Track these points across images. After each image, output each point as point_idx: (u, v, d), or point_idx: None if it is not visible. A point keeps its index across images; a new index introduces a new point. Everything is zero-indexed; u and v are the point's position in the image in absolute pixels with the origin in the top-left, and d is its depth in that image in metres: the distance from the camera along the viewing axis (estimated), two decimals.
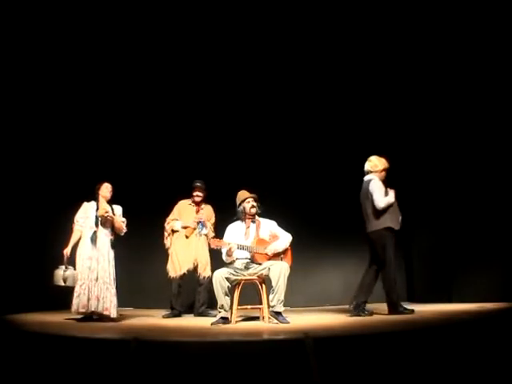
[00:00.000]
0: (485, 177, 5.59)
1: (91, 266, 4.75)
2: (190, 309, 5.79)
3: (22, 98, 6.12)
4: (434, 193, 6.36)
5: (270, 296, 4.35)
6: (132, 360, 2.81)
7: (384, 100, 6.88)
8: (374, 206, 4.77)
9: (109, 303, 4.72)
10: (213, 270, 4.78)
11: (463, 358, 2.97)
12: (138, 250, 6.63)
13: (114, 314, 4.75)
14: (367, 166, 4.97)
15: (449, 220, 6.10)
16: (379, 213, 4.75)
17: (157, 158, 6.95)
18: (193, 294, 5.72)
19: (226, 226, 4.79)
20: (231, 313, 4.37)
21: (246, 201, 4.70)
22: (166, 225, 5.77)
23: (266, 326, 4.29)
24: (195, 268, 5.61)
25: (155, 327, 4.32)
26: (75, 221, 4.96)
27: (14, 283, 5.51)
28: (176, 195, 5.97)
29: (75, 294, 4.69)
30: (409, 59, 6.45)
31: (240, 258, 4.58)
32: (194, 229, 5.67)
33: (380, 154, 5.01)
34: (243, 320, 4.78)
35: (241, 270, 4.53)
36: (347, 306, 4.95)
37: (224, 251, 4.55)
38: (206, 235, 5.62)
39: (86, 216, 4.94)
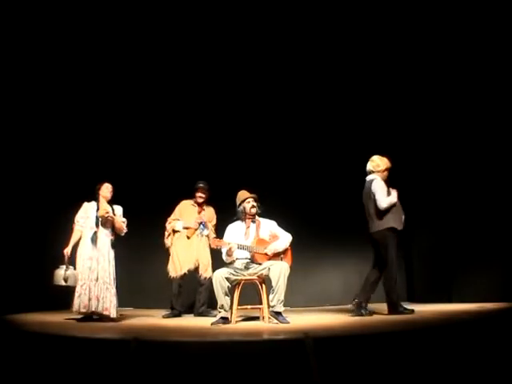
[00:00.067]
0: (485, 177, 5.59)
1: (91, 266, 4.76)
2: (191, 309, 5.79)
3: (22, 98, 6.12)
4: (434, 193, 6.36)
5: (270, 296, 4.35)
6: (132, 360, 2.81)
7: (384, 100, 6.88)
8: (376, 206, 4.76)
9: (109, 303, 4.73)
10: (214, 271, 4.78)
11: (463, 358, 2.97)
12: (138, 250, 6.63)
13: (113, 314, 4.75)
14: (369, 165, 4.96)
15: (449, 220, 6.10)
16: (382, 213, 4.75)
17: (157, 158, 6.95)
18: (193, 294, 5.71)
19: (226, 226, 4.80)
20: (231, 313, 4.37)
21: (246, 201, 4.70)
22: (167, 224, 5.77)
23: (266, 325, 4.29)
24: (196, 268, 5.61)
25: (155, 327, 4.32)
26: (75, 221, 4.96)
27: (14, 283, 5.51)
28: (176, 195, 5.97)
29: (76, 294, 4.69)
30: (410, 59, 6.44)
31: (240, 258, 4.58)
32: (196, 229, 5.67)
33: (381, 154, 5.00)
34: (243, 320, 4.78)
35: (241, 269, 4.53)
36: (347, 306, 4.95)
37: (224, 251, 4.55)
38: (207, 236, 5.62)
39: (86, 216, 4.94)
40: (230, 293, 4.38)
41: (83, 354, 2.97)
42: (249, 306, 4.57)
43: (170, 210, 5.84)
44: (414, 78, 6.50)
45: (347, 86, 6.91)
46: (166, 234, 5.76)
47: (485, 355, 3.01)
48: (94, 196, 5.01)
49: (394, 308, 4.66)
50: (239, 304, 4.43)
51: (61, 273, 4.75)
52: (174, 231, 5.73)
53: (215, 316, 4.54)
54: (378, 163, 4.92)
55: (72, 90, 6.68)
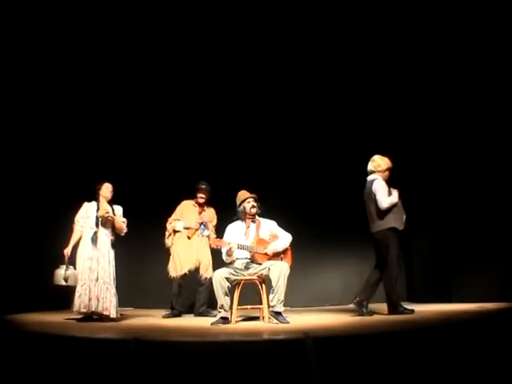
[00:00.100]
0: (485, 177, 5.59)
1: (92, 266, 4.76)
2: (191, 309, 5.78)
3: (22, 98, 6.12)
4: (435, 193, 6.36)
5: (270, 296, 4.35)
6: (132, 360, 2.81)
7: (384, 100, 6.87)
8: (377, 207, 4.76)
9: (108, 303, 4.73)
10: (214, 271, 4.78)
11: (463, 358, 2.97)
12: (138, 250, 6.63)
13: (113, 314, 4.75)
14: (370, 166, 4.96)
15: (449, 220, 6.10)
16: (383, 213, 4.75)
17: (157, 158, 6.95)
18: (193, 294, 5.71)
19: (226, 226, 4.80)
20: (231, 313, 4.37)
21: (247, 201, 4.69)
22: (167, 224, 5.77)
23: (266, 325, 4.28)
24: (196, 268, 5.61)
25: (155, 327, 4.32)
26: (76, 221, 4.96)
27: (14, 283, 5.51)
28: (176, 195, 5.98)
29: (77, 294, 4.69)
30: (411, 59, 6.43)
31: (240, 258, 4.58)
32: (196, 230, 5.67)
33: (382, 154, 5.00)
34: (243, 320, 4.78)
35: (241, 269, 4.53)
36: (347, 306, 4.95)
37: (224, 251, 4.55)
38: (207, 236, 5.62)
39: (86, 216, 4.94)
40: (230, 293, 4.38)
41: (83, 353, 2.97)
42: (249, 306, 4.57)
43: (170, 210, 5.84)
44: (415, 78, 6.49)
45: (348, 85, 6.91)
46: (167, 234, 5.76)
47: (485, 355, 3.01)
48: (94, 196, 5.01)
49: (394, 308, 4.66)
50: (239, 304, 4.43)
51: (61, 273, 4.76)
52: (175, 231, 5.73)
53: (215, 316, 4.53)
54: (378, 163, 4.92)
55: (72, 90, 6.68)
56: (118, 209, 5.07)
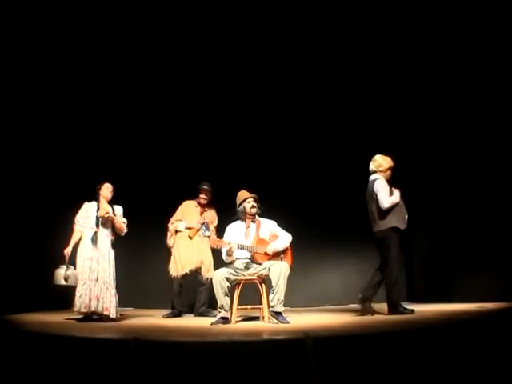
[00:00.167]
0: (485, 177, 5.59)
1: (92, 267, 4.76)
2: (191, 309, 5.79)
3: (22, 98, 6.12)
4: (435, 193, 6.36)
5: (270, 296, 4.35)
6: (132, 360, 2.81)
7: (385, 100, 6.86)
8: (378, 206, 4.76)
9: (108, 303, 4.73)
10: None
11: (463, 358, 2.97)
12: (139, 250, 6.63)
13: (113, 314, 4.75)
14: (372, 165, 4.96)
15: (449, 220, 6.10)
16: (384, 213, 4.75)
17: (157, 158, 6.95)
18: (194, 294, 5.71)
19: (227, 225, 4.80)
20: (231, 313, 4.37)
21: (247, 201, 4.69)
22: (169, 225, 5.77)
23: (266, 325, 4.28)
24: (198, 269, 5.61)
25: (155, 327, 4.32)
26: (76, 221, 4.97)
27: (14, 283, 5.51)
28: (176, 195, 5.98)
29: (77, 294, 4.70)
30: (412, 58, 6.42)
31: (240, 258, 4.58)
32: (198, 230, 5.67)
33: (383, 154, 5.00)
34: (243, 320, 4.78)
35: (241, 269, 4.53)
36: (347, 306, 4.95)
37: (224, 251, 4.55)
38: (208, 237, 5.62)
39: (86, 216, 4.94)
40: (230, 293, 4.38)
41: (83, 353, 2.97)
42: (249, 306, 4.57)
43: (170, 210, 5.84)
44: (416, 78, 6.49)
45: (348, 85, 6.90)
46: (169, 234, 5.76)
47: (485, 355, 3.01)
48: (94, 196, 5.02)
49: (394, 308, 4.66)
50: (239, 304, 4.43)
51: (61, 272, 4.76)
52: (176, 231, 5.73)
53: (215, 316, 4.54)
54: (380, 163, 4.92)
55: (72, 90, 6.68)
56: (119, 209, 5.07)
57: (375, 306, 5.00)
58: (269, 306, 4.41)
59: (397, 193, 4.82)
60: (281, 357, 2.83)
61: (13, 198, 5.84)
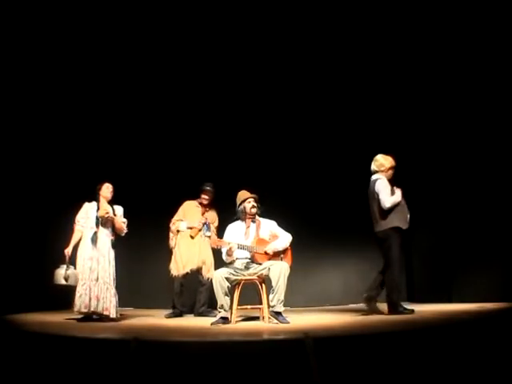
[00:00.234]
0: (485, 177, 5.59)
1: (92, 267, 4.76)
2: (191, 309, 5.78)
3: (22, 98, 6.12)
4: (435, 193, 6.36)
5: (270, 296, 4.35)
6: (132, 360, 2.81)
7: (385, 100, 6.85)
8: (380, 206, 4.77)
9: (109, 303, 4.73)
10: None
11: (463, 358, 2.97)
12: (139, 250, 6.63)
13: (113, 314, 4.75)
14: (373, 165, 4.96)
15: (449, 220, 6.10)
16: (385, 212, 4.75)
17: (157, 158, 6.95)
18: (194, 294, 5.71)
19: (227, 225, 4.80)
20: (231, 313, 4.38)
21: (247, 201, 4.69)
22: (171, 225, 5.77)
23: (266, 325, 4.29)
24: (198, 268, 5.60)
25: (155, 327, 4.32)
26: (76, 221, 4.97)
27: (14, 283, 5.51)
28: (176, 196, 5.98)
29: (77, 294, 4.70)
30: (413, 58, 6.41)
31: (240, 258, 4.58)
32: (200, 230, 5.68)
33: (383, 154, 5.00)
34: (243, 320, 4.78)
35: (241, 269, 4.53)
36: (347, 306, 4.95)
37: (224, 251, 4.55)
38: (208, 237, 5.62)
39: (86, 216, 4.94)
40: (230, 293, 4.38)
41: (83, 353, 2.97)
42: (249, 306, 4.57)
43: (170, 211, 5.84)
44: (417, 78, 6.48)
45: (348, 85, 6.89)
46: (171, 235, 5.75)
47: (485, 355, 3.01)
48: (94, 196, 5.02)
49: (394, 308, 4.66)
50: (239, 304, 4.43)
51: (61, 272, 4.76)
52: (177, 231, 5.73)
53: (215, 316, 4.54)
54: (381, 162, 4.92)
55: (73, 90, 6.68)
56: (119, 209, 5.07)
57: None
58: (269, 306, 4.41)
59: (398, 192, 4.82)
60: (281, 357, 2.83)
61: (13, 199, 5.84)
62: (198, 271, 5.61)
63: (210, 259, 5.64)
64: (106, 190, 5.03)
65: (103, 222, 4.89)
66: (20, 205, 5.97)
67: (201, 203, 5.78)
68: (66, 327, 4.18)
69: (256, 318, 4.77)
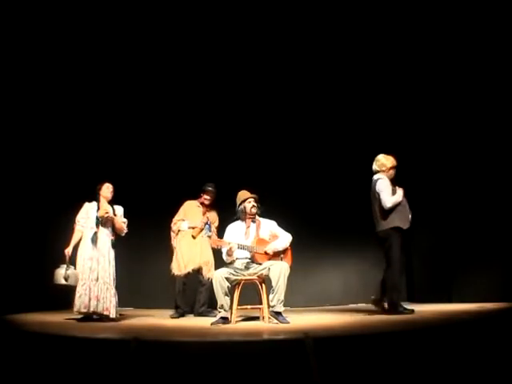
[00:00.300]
0: (485, 177, 5.59)
1: (92, 267, 4.76)
2: (192, 309, 5.78)
3: (23, 99, 6.12)
4: (435, 193, 6.36)
5: (270, 296, 4.34)
6: (132, 360, 2.81)
7: (386, 100, 6.85)
8: (381, 206, 4.77)
9: (109, 303, 4.73)
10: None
11: (463, 358, 2.97)
12: (139, 250, 6.63)
13: (113, 314, 4.76)
14: (374, 165, 4.97)
15: (449, 220, 6.10)
16: (386, 212, 4.76)
17: (157, 158, 6.95)
18: (194, 294, 5.70)
19: (227, 225, 4.80)
20: (231, 313, 4.37)
21: (247, 201, 4.69)
22: (172, 225, 5.76)
23: (266, 325, 4.28)
24: (199, 268, 5.60)
25: (155, 327, 4.32)
26: (76, 221, 4.97)
27: (14, 283, 5.51)
28: (177, 196, 5.98)
29: (77, 295, 4.70)
30: (414, 58, 6.41)
31: (240, 258, 4.58)
32: (202, 229, 5.67)
33: (385, 153, 5.00)
34: (243, 320, 4.78)
35: (241, 269, 4.53)
36: (347, 306, 4.95)
37: (224, 251, 4.55)
38: (209, 237, 5.62)
39: (87, 216, 4.95)
40: (230, 293, 4.38)
41: (83, 353, 2.97)
42: (249, 306, 4.57)
43: (170, 211, 5.84)
44: (418, 78, 6.47)
45: (350, 84, 6.89)
46: (173, 235, 5.75)
47: (485, 355, 3.01)
48: (94, 196, 5.02)
49: (394, 308, 4.66)
50: (239, 304, 4.43)
51: (61, 272, 4.76)
52: (178, 231, 5.73)
53: (215, 316, 4.54)
54: (382, 162, 4.93)
55: (73, 90, 6.68)
56: (119, 209, 5.07)
57: None
58: (269, 306, 4.41)
59: (400, 192, 4.82)
60: (281, 357, 2.83)
61: (13, 199, 5.84)
62: (199, 271, 5.61)
63: (211, 259, 5.63)
64: (106, 189, 5.03)
65: (103, 221, 4.89)
66: (20, 205, 5.97)
67: (202, 203, 5.78)
68: (66, 327, 4.18)
69: (256, 318, 4.77)
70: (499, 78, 5.43)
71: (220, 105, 6.99)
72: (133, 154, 6.93)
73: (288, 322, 4.24)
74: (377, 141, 6.22)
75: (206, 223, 5.68)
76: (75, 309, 4.70)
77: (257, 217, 4.74)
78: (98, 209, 4.92)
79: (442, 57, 6.12)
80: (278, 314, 4.30)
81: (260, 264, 4.52)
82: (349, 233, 6.56)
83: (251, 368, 2.77)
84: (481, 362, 2.96)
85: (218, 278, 4.30)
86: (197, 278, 5.65)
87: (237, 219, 4.76)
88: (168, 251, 5.77)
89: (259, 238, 4.61)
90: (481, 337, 3.20)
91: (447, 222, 6.12)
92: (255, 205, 4.69)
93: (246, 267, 4.56)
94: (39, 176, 6.31)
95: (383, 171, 4.91)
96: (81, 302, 4.67)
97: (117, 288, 4.88)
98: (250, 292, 4.72)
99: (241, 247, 4.48)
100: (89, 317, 4.75)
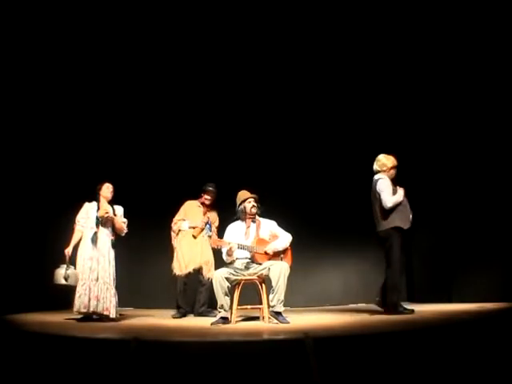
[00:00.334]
0: (485, 177, 5.59)
1: (92, 267, 4.77)
2: (192, 309, 5.78)
3: (23, 99, 6.12)
4: (435, 193, 6.36)
5: (270, 296, 4.35)
6: (132, 360, 2.81)
7: (387, 100, 6.85)
8: (382, 206, 4.77)
9: (109, 303, 4.73)
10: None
11: (463, 358, 2.97)
12: (139, 250, 6.63)
13: (113, 314, 4.76)
14: (375, 165, 4.97)
15: (449, 220, 6.10)
16: (387, 212, 4.76)
17: (158, 158, 6.95)
18: (194, 293, 5.70)
19: (227, 225, 4.80)
20: (231, 313, 4.38)
21: (248, 201, 4.69)
22: (173, 225, 5.76)
23: (266, 325, 4.28)
24: (200, 268, 5.60)
25: (155, 327, 4.32)
26: (76, 221, 4.97)
27: (14, 283, 5.51)
28: (177, 196, 5.98)
29: (77, 295, 4.70)
30: (415, 57, 6.40)
31: (240, 258, 4.58)
32: (202, 229, 5.68)
33: (386, 153, 5.00)
34: (243, 320, 4.78)
35: (241, 269, 4.53)
36: (347, 306, 4.95)
37: (224, 251, 4.55)
38: (209, 237, 5.63)
39: (87, 216, 4.95)
40: (230, 293, 4.38)
41: (83, 353, 2.97)
42: (249, 306, 4.57)
43: (170, 211, 5.84)
44: (419, 78, 6.47)
45: (350, 84, 6.89)
46: (173, 235, 5.74)
47: (485, 355, 3.01)
48: (94, 196, 5.02)
49: (394, 308, 4.66)
50: (239, 304, 4.43)
51: (61, 272, 4.76)
52: (179, 231, 5.73)
53: (215, 316, 4.54)
54: (383, 162, 4.93)
55: (73, 90, 6.68)
56: (119, 209, 5.07)
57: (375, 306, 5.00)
58: (269, 306, 4.41)
59: (401, 191, 4.82)
60: (281, 357, 2.83)
61: (13, 199, 5.84)
62: (199, 271, 5.61)
63: (211, 259, 5.63)
64: (106, 189, 5.03)
65: (103, 221, 4.89)
66: (20, 205, 5.97)
67: (203, 203, 5.78)
68: (66, 327, 4.18)
69: (256, 318, 4.77)
70: (499, 78, 5.43)
71: (220, 105, 6.99)
72: (133, 154, 6.93)
73: (288, 322, 4.24)
74: (377, 141, 6.22)
75: (207, 223, 5.69)
76: (75, 309, 4.70)
77: (257, 217, 4.74)
78: (98, 209, 4.92)
79: (441, 57, 6.12)
80: (278, 314, 4.31)
81: (260, 264, 4.52)
82: (349, 233, 6.56)
83: (251, 368, 2.77)
84: (481, 362, 2.96)
85: (218, 278, 4.30)
86: (197, 278, 5.65)
87: (237, 219, 4.76)
88: (168, 251, 5.77)
89: (259, 238, 4.61)
90: (481, 337, 3.20)
91: (447, 222, 6.12)
92: (255, 205, 4.69)
93: (246, 267, 4.56)
94: (39, 176, 6.31)
95: (384, 171, 4.91)
96: (81, 301, 4.67)
97: (117, 288, 4.88)
98: (249, 292, 4.72)
99: (241, 247, 4.48)
100: (89, 317, 4.75)
